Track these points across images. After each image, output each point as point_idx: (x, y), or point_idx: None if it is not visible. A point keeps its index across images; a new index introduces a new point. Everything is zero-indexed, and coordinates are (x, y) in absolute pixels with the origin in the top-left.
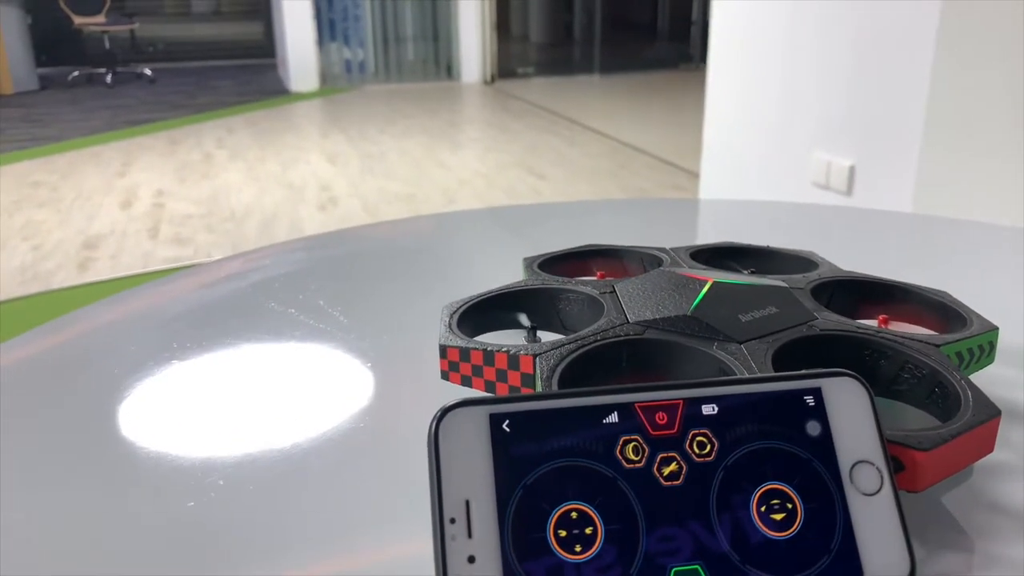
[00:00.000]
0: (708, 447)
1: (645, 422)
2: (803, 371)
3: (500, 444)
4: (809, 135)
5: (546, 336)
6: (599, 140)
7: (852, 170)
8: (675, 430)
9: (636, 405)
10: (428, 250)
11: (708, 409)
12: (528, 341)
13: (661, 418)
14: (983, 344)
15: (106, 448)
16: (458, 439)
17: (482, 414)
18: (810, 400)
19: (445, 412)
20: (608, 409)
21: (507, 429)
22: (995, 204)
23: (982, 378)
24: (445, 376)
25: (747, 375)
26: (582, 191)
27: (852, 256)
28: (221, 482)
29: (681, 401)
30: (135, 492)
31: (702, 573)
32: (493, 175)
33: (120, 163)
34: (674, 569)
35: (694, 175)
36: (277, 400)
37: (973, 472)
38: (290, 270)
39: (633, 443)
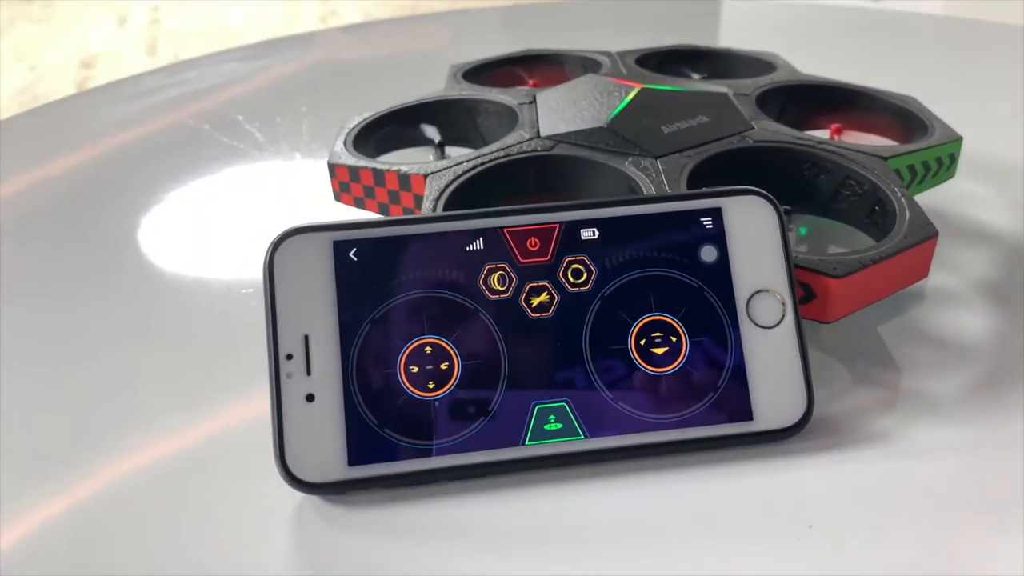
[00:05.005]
0: (584, 275)
1: (514, 248)
2: (703, 189)
3: (345, 274)
4: None
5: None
6: None
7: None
8: (548, 257)
9: (504, 230)
10: (379, 62)
11: (587, 234)
12: (436, 159)
13: (533, 244)
14: (941, 156)
15: None
16: (297, 268)
17: (325, 241)
18: (708, 223)
19: (282, 239)
20: (472, 235)
21: (354, 258)
22: None
23: (938, 194)
24: (337, 197)
25: (636, 195)
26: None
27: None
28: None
29: (557, 225)
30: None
31: (568, 410)
32: None
33: None
34: (538, 406)
35: None
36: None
37: (912, 299)
38: (216, 83)
39: (499, 272)
